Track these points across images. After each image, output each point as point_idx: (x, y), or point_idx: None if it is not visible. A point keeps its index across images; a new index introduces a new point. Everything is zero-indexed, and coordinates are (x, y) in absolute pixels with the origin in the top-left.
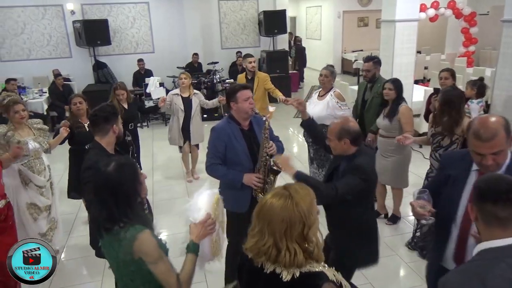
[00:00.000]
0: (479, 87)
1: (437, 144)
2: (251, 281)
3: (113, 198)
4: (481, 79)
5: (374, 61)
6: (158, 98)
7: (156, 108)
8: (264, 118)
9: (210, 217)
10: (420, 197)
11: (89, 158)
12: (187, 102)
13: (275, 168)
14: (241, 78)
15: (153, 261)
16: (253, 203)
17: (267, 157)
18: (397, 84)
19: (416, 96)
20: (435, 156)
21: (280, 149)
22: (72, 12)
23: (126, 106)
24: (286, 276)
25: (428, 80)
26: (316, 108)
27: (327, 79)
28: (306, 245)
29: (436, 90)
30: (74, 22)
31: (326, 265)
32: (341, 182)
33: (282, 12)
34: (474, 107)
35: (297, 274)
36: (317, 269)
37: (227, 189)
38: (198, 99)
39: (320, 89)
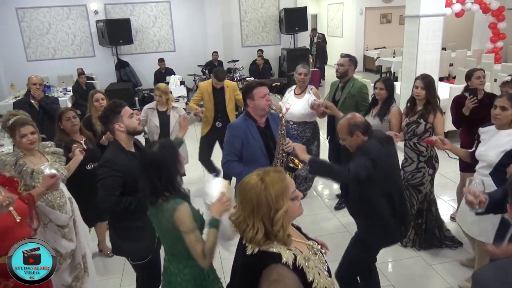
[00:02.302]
0: None
1: (412, 132)
2: (238, 244)
3: (157, 174)
4: None
5: (350, 58)
6: (179, 97)
7: None
8: (280, 115)
9: (224, 195)
10: (473, 185)
11: (104, 155)
12: (164, 117)
13: (291, 165)
14: (205, 86)
15: (186, 231)
16: None
17: (283, 154)
18: (388, 84)
19: (441, 93)
20: (409, 145)
21: None
22: (96, 12)
23: None
24: (248, 250)
25: (454, 78)
26: (297, 106)
27: (306, 77)
28: (273, 226)
29: (473, 91)
30: (97, 21)
31: (294, 250)
32: (352, 163)
33: (303, 10)
34: None
35: (256, 250)
36: (275, 250)
37: None
38: (177, 113)
39: (295, 87)
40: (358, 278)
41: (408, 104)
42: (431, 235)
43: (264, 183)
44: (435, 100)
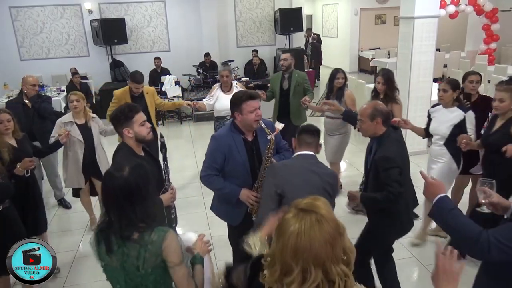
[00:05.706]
0: None
1: None
2: None
3: (131, 203)
4: (511, 77)
5: (291, 53)
6: (174, 97)
7: (58, 144)
8: (268, 137)
9: (203, 236)
10: (484, 183)
11: (116, 161)
12: (85, 130)
13: None
14: (122, 95)
15: (177, 263)
16: (247, 218)
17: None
18: (345, 74)
19: (435, 94)
20: None
21: None
22: (90, 11)
23: (14, 142)
24: None
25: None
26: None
27: (229, 78)
28: (345, 257)
29: (466, 95)
30: (91, 21)
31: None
32: (388, 180)
33: (298, 10)
34: None
35: None
36: None
37: (221, 202)
38: (97, 124)
39: (221, 85)
40: (375, 267)
41: (373, 94)
42: None
43: (319, 214)
44: (391, 93)
